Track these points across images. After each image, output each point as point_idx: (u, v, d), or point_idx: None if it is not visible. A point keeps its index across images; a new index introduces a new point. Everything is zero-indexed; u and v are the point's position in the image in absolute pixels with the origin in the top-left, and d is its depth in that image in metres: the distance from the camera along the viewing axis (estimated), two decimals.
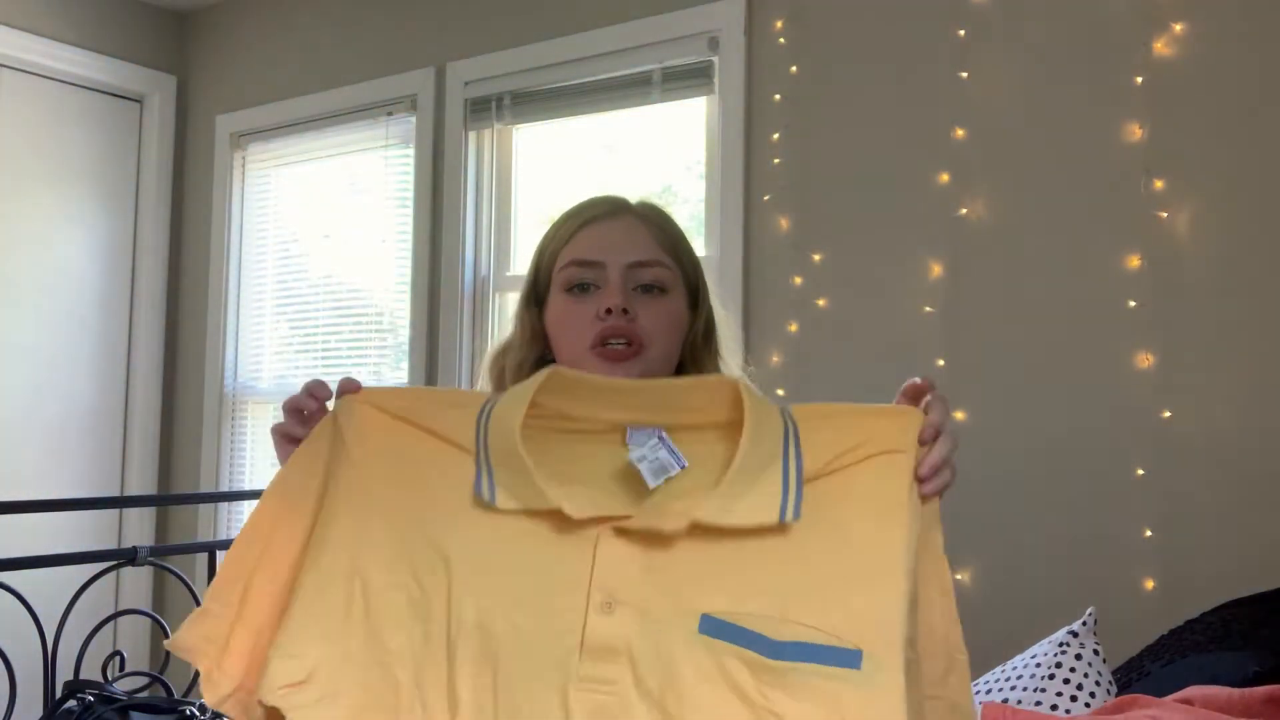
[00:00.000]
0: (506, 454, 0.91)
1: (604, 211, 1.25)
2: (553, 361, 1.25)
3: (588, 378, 0.96)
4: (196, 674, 2.50)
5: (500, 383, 1.28)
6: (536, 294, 1.27)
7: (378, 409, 0.96)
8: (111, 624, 3.20)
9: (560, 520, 0.89)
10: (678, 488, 0.90)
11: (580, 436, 0.96)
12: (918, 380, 0.98)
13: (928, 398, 0.97)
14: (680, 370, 1.26)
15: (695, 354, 1.26)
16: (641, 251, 1.22)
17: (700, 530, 0.88)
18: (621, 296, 1.18)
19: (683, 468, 0.90)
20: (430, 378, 3.29)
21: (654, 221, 1.25)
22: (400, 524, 0.92)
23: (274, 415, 3.80)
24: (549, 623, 0.88)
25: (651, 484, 0.89)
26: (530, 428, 0.92)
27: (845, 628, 0.87)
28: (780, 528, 0.89)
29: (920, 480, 0.93)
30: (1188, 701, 1.27)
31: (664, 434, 0.91)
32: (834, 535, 0.90)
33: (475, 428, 0.94)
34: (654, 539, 0.89)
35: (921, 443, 0.94)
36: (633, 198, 1.31)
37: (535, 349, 1.26)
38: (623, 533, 0.89)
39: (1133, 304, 2.26)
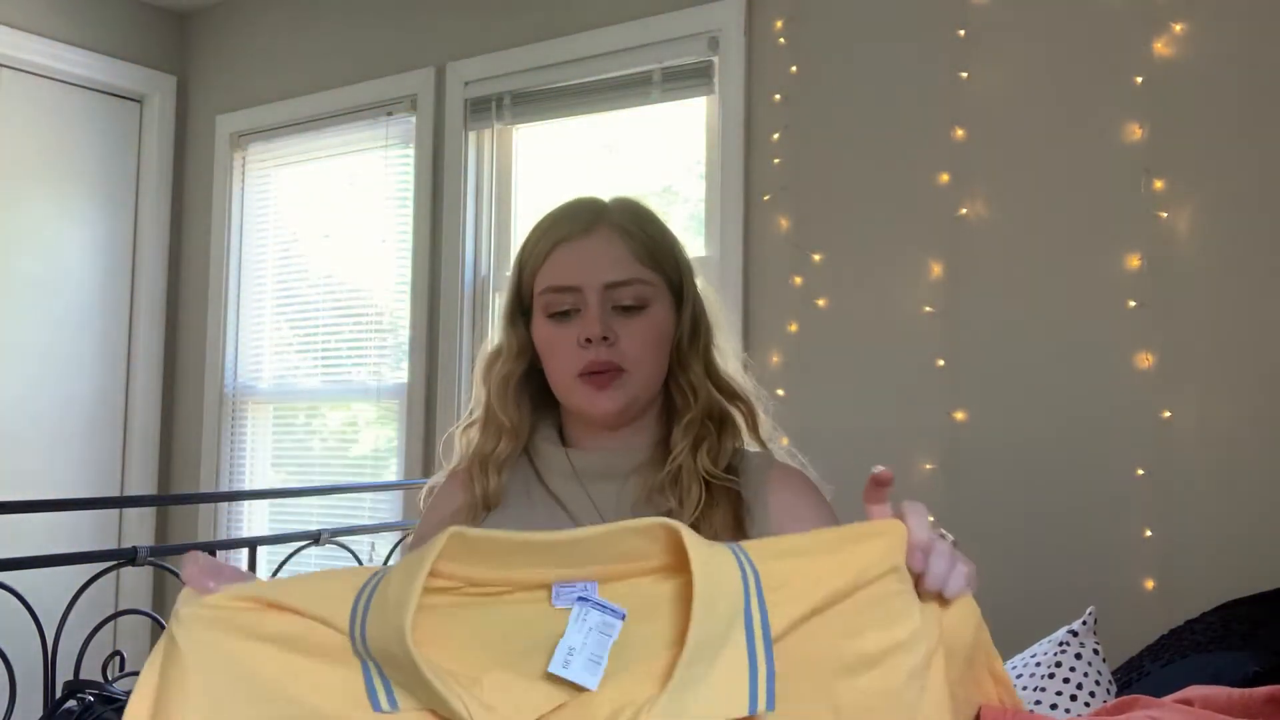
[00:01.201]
0: (393, 655, 0.72)
1: (578, 229, 1.22)
2: (540, 374, 1.25)
3: (496, 536, 0.74)
4: None
5: (500, 392, 1.26)
6: (522, 309, 1.27)
7: (226, 603, 0.76)
8: (111, 624, 3.20)
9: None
10: (625, 662, 0.73)
11: (496, 600, 0.77)
12: (879, 470, 0.86)
13: (903, 505, 0.85)
14: (669, 377, 1.24)
15: (681, 356, 1.24)
16: (618, 270, 1.20)
17: None
18: (599, 324, 1.18)
19: (623, 617, 0.74)
20: (430, 378, 3.29)
21: (629, 231, 1.22)
22: None
23: (274, 415, 3.80)
24: None
25: (592, 685, 0.72)
26: (429, 602, 0.75)
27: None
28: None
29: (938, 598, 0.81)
30: (1187, 702, 1.27)
31: (593, 589, 0.75)
32: (818, 700, 0.74)
33: (350, 619, 0.74)
34: None
35: (912, 571, 0.80)
36: (608, 198, 1.28)
37: (522, 363, 1.27)
38: None
39: (1133, 304, 2.26)
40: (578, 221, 1.23)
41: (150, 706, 0.76)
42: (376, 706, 0.72)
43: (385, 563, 2.96)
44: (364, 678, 0.73)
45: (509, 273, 1.31)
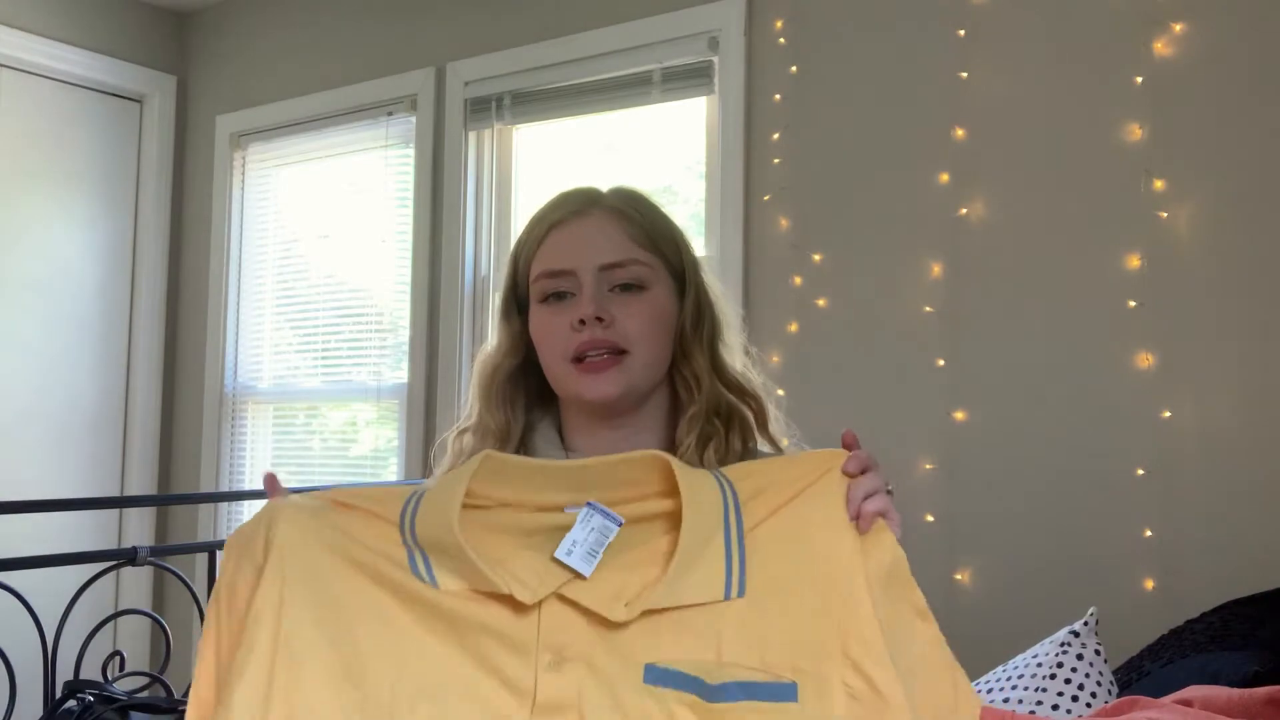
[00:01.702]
0: (440, 543, 0.90)
1: (571, 211, 1.19)
2: (536, 368, 1.22)
3: (521, 460, 0.96)
4: None
5: (486, 389, 1.23)
6: (517, 303, 1.24)
7: (306, 501, 0.96)
8: (111, 624, 3.20)
9: (505, 599, 0.90)
10: (623, 561, 0.92)
11: (519, 511, 0.95)
12: (847, 432, 1.01)
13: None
14: (674, 364, 1.20)
15: (684, 344, 1.20)
16: (613, 251, 1.16)
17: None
18: (593, 305, 1.13)
19: (620, 524, 0.91)
20: (430, 377, 3.30)
21: (624, 214, 1.19)
22: (331, 621, 0.90)
23: (274, 415, 3.80)
24: (497, 689, 0.88)
25: (586, 571, 0.90)
26: (464, 513, 0.92)
27: (782, 662, 0.88)
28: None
29: (852, 509, 0.95)
30: (1187, 702, 1.27)
31: (597, 503, 0.92)
32: (775, 577, 0.92)
33: (400, 517, 0.93)
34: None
35: (847, 473, 0.97)
36: (605, 186, 1.24)
37: (514, 358, 1.23)
38: (567, 600, 0.90)
39: (1133, 304, 2.26)
40: (571, 205, 1.20)
41: (249, 586, 0.91)
42: (414, 570, 0.90)
43: None
44: (408, 558, 0.91)
45: (505, 271, 1.28)
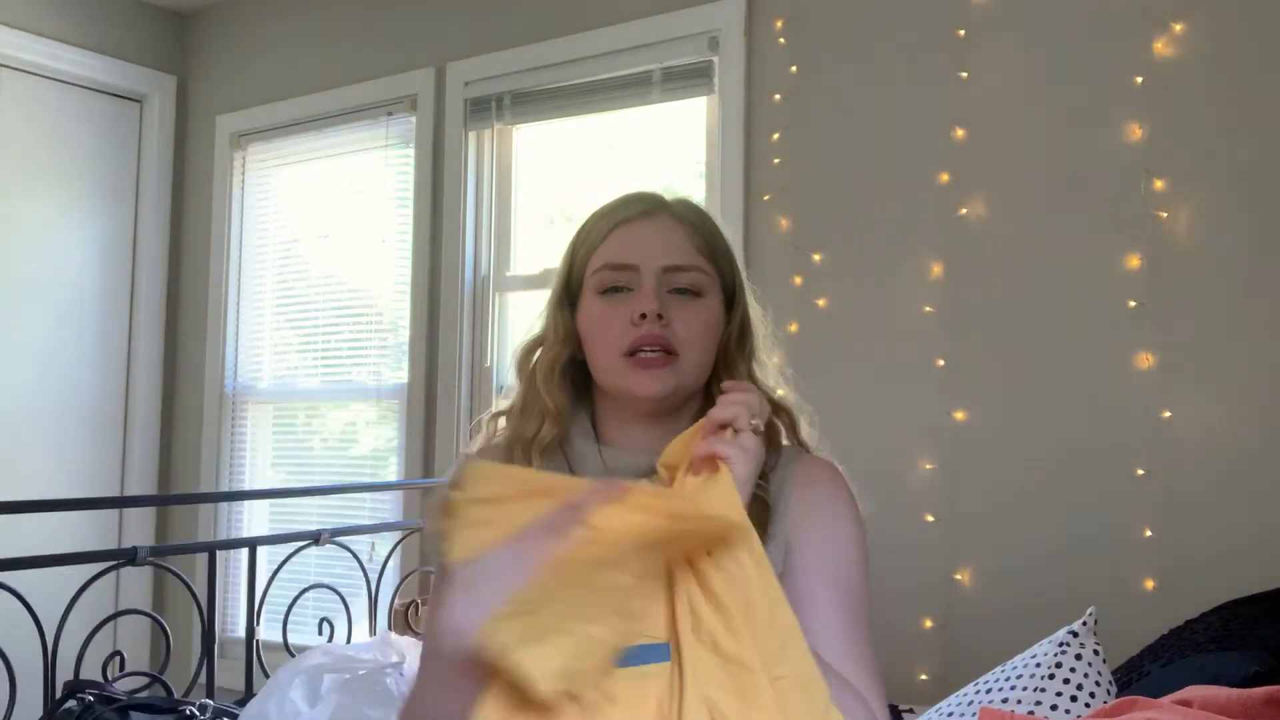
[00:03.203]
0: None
1: (638, 212, 1.21)
2: (583, 363, 1.23)
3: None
4: (195, 674, 2.50)
5: (530, 379, 1.24)
6: (569, 294, 1.24)
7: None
8: (111, 624, 3.20)
9: None
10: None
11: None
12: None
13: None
14: (714, 375, 1.22)
15: (729, 357, 1.23)
16: (677, 255, 1.18)
17: None
18: (656, 301, 1.15)
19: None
20: (430, 378, 3.29)
21: (690, 222, 1.21)
22: None
23: (274, 415, 3.80)
24: None
25: None
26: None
27: (658, 624, 0.90)
28: None
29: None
30: (1186, 703, 1.27)
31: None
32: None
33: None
34: None
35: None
36: (669, 194, 1.26)
37: (567, 349, 1.23)
38: None
39: (1133, 304, 2.26)
40: (640, 205, 1.22)
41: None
42: None
43: (384, 564, 2.96)
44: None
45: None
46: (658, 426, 1.20)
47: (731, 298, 1.25)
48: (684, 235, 1.20)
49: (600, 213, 1.24)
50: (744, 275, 1.28)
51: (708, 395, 1.23)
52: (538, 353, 1.25)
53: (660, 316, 1.15)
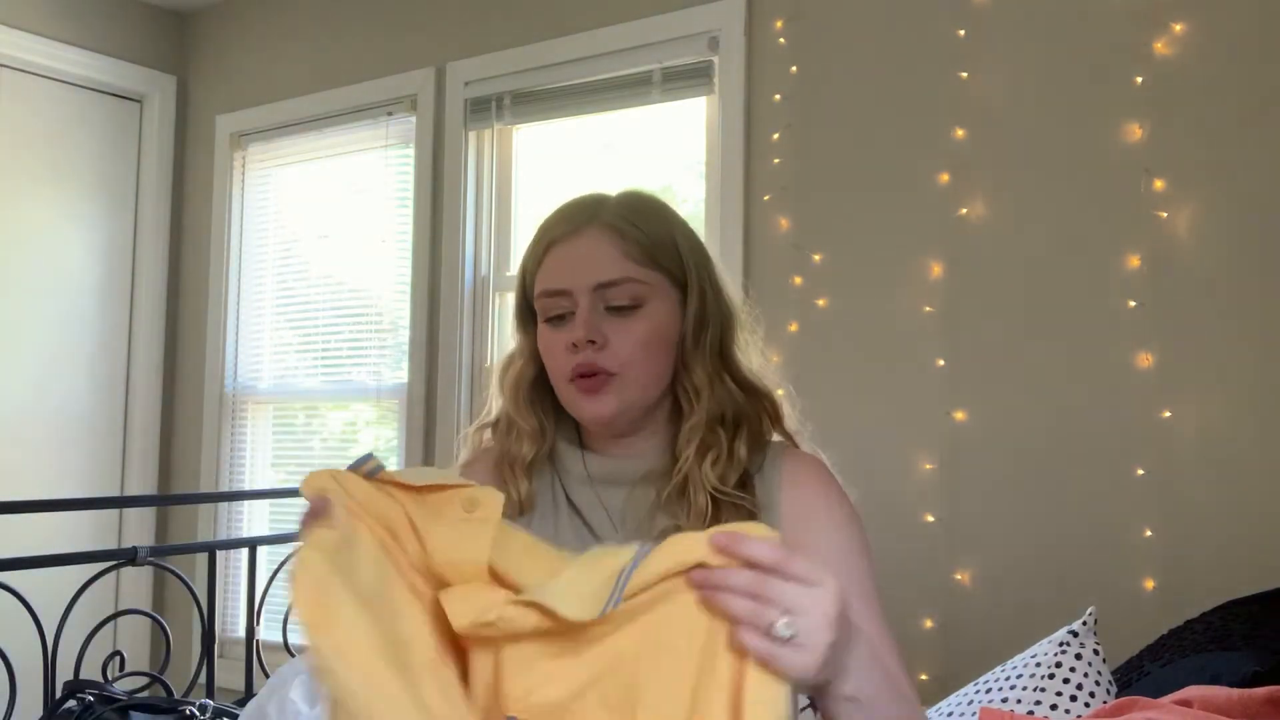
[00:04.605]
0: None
1: (567, 230, 1.19)
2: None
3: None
4: (195, 674, 2.50)
5: (514, 397, 1.25)
6: (528, 312, 1.25)
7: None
8: (111, 624, 3.20)
9: None
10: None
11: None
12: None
13: None
14: (675, 379, 1.20)
15: (685, 357, 1.20)
16: (607, 270, 1.16)
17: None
18: (585, 328, 1.15)
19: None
20: (430, 378, 3.29)
21: (621, 230, 1.17)
22: None
23: (274, 415, 3.80)
24: None
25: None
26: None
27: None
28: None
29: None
30: (1186, 703, 1.27)
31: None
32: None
33: None
34: None
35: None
36: (611, 193, 1.24)
37: (534, 366, 1.24)
38: None
39: (1133, 304, 2.26)
40: (569, 222, 1.20)
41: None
42: None
43: None
44: None
45: (510, 273, 1.30)
46: (627, 436, 1.22)
47: (686, 292, 1.21)
48: (613, 247, 1.17)
49: (540, 228, 1.24)
50: (711, 265, 1.24)
51: (675, 397, 1.22)
52: (510, 370, 1.27)
53: (593, 342, 1.15)
